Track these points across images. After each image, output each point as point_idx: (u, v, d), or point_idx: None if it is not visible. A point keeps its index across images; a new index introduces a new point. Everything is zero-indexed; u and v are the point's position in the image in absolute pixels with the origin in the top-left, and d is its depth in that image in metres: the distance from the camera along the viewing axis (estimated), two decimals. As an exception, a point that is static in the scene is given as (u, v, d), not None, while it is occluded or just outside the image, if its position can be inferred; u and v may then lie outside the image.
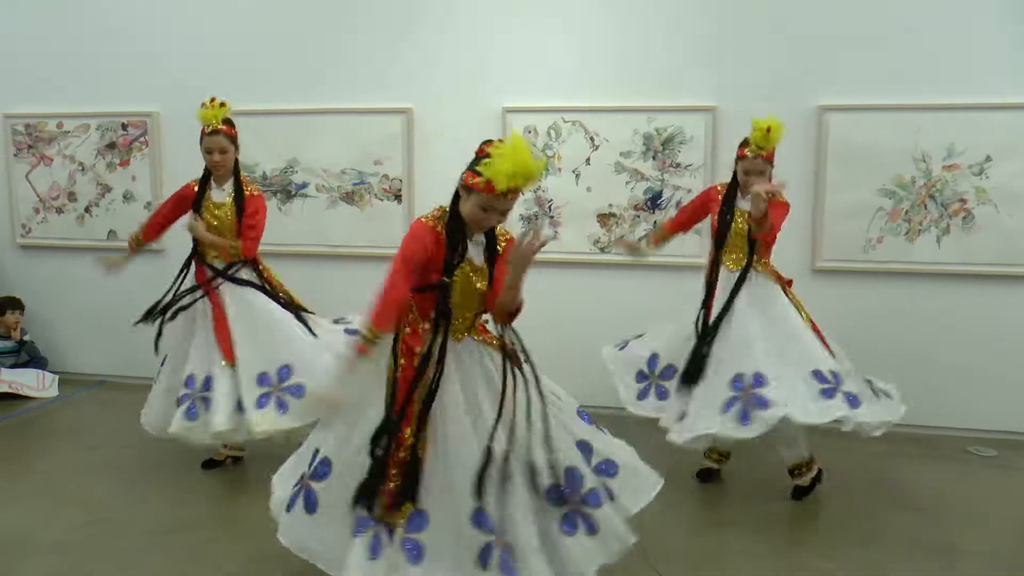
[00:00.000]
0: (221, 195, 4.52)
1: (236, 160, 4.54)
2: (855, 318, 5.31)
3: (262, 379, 4.36)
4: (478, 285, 2.89)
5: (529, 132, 5.52)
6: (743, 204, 4.29)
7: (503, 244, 2.93)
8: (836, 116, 5.18)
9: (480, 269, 2.90)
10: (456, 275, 2.84)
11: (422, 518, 2.83)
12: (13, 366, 6.22)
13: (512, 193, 2.72)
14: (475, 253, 2.90)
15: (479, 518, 2.78)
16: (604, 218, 5.54)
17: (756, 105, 5.08)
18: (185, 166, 5.81)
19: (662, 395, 4.39)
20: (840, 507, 4.23)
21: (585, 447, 3.01)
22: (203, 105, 4.44)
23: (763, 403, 3.97)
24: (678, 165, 5.40)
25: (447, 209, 2.88)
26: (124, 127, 6.21)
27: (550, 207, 5.57)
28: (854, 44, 5.13)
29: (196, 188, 4.55)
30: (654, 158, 5.42)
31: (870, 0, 5.09)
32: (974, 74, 5.02)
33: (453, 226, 2.85)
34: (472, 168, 2.77)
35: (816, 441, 5.12)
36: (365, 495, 2.85)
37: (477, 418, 2.89)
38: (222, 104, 4.43)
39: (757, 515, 4.17)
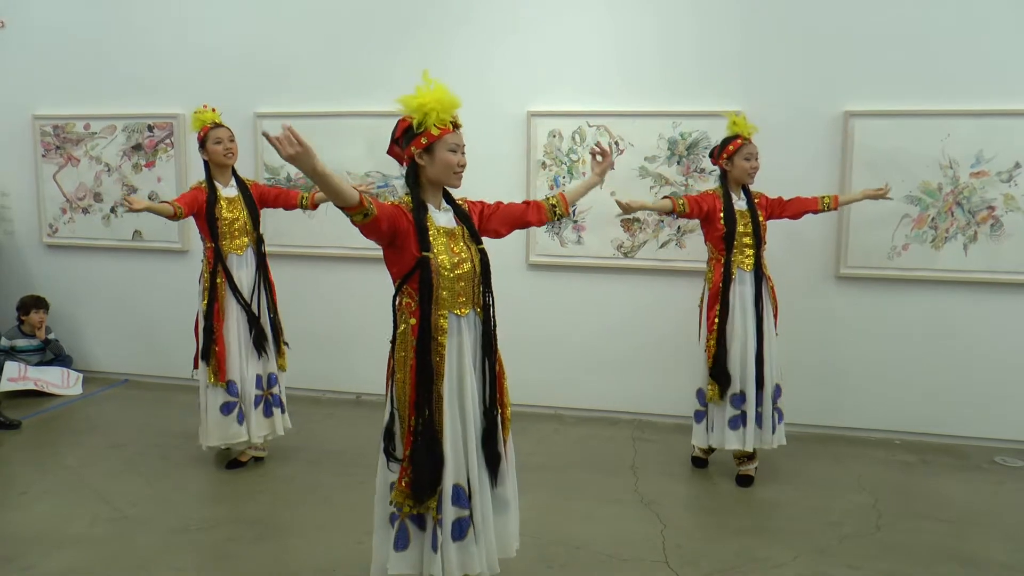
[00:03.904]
0: (230, 191, 4.64)
1: None
2: (879, 326, 5.28)
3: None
4: (461, 246, 2.99)
5: (554, 136, 5.52)
6: (740, 205, 4.47)
7: (464, 203, 3.12)
8: (861, 122, 5.13)
9: (456, 232, 3.01)
10: (434, 247, 2.91)
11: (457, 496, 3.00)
12: (39, 364, 6.28)
13: (459, 124, 3.01)
14: (445, 219, 3.02)
15: (457, 494, 2.96)
16: (628, 223, 5.52)
17: (781, 110, 5.09)
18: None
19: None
20: (865, 516, 4.18)
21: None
22: (197, 112, 4.61)
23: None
24: (702, 170, 5.37)
25: (404, 197, 3.01)
26: (150, 129, 6.26)
27: (573, 211, 5.56)
28: (881, 50, 5.09)
29: (206, 190, 4.60)
30: (678, 163, 5.40)
31: (897, 5, 5.05)
32: (1003, 80, 4.96)
33: (417, 200, 2.96)
34: (409, 139, 2.96)
35: (844, 449, 5.10)
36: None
37: (463, 399, 2.99)
38: (213, 109, 4.64)
39: (780, 522, 4.14)
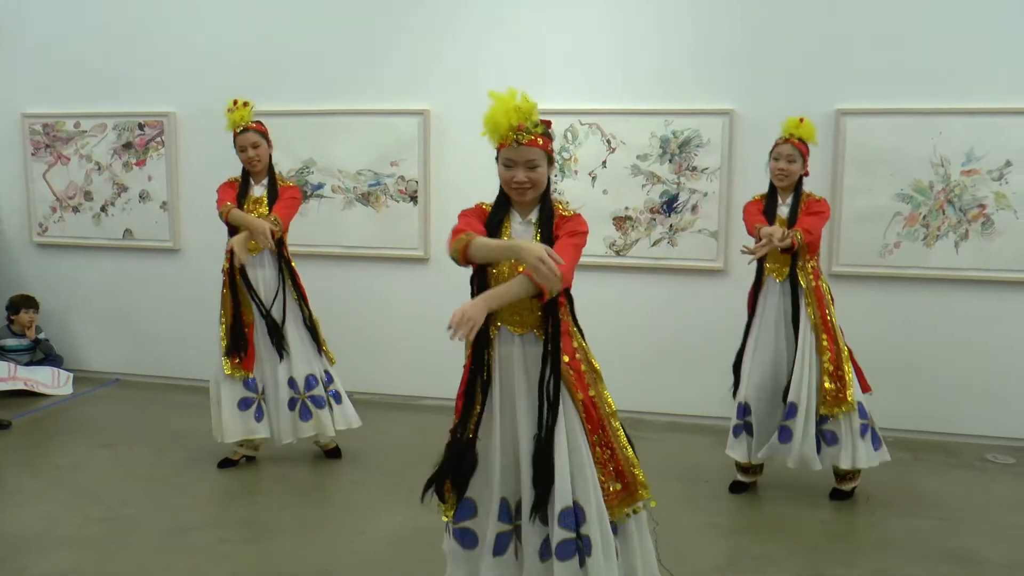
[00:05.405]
0: (260, 191, 4.60)
1: (270, 157, 4.64)
2: (872, 323, 5.28)
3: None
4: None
5: (546, 134, 5.51)
6: (783, 211, 4.29)
7: (563, 218, 2.87)
8: (854, 120, 5.15)
9: None
10: None
11: (469, 507, 2.90)
12: (29, 364, 6.25)
13: (522, 139, 2.75)
14: (523, 233, 2.86)
15: (503, 508, 2.85)
16: (620, 221, 5.52)
17: (773, 108, 5.07)
18: (201, 166, 5.86)
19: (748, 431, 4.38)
20: (859, 514, 4.20)
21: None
22: (228, 110, 4.52)
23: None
24: (694, 168, 5.38)
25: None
26: (141, 127, 6.23)
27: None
28: (872, 48, 5.10)
29: (238, 185, 4.58)
30: (671, 161, 5.41)
31: (889, 4, 5.07)
32: (994, 78, 4.98)
33: (498, 201, 2.88)
34: None
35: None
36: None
37: (513, 416, 2.86)
38: (245, 104, 4.53)
39: (774, 521, 4.14)
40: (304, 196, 5.92)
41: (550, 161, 2.86)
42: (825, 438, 4.23)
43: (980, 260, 5.11)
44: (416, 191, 5.78)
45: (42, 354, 6.37)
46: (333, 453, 4.88)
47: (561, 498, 2.74)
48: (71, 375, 6.34)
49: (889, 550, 3.81)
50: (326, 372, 4.73)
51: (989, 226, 5.08)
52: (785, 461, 4.27)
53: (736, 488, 4.45)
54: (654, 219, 5.48)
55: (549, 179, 2.90)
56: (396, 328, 5.93)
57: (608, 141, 5.48)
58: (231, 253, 4.51)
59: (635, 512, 2.91)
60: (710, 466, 4.74)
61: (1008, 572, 3.64)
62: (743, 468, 4.45)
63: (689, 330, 5.43)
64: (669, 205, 5.45)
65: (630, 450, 2.97)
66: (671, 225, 5.47)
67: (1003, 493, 4.52)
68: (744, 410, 4.33)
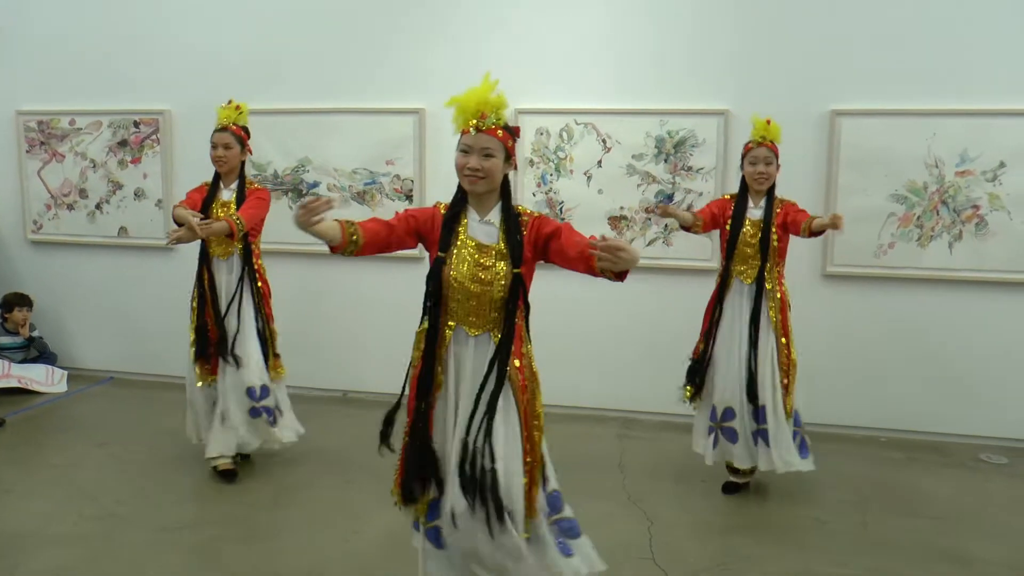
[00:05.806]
0: (228, 194, 4.56)
1: (243, 163, 4.59)
2: (865, 324, 5.31)
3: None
4: (486, 267, 2.76)
5: (541, 134, 5.52)
6: (754, 213, 4.30)
7: (526, 220, 2.81)
8: (848, 120, 5.16)
9: (490, 249, 2.78)
10: (455, 253, 2.78)
11: (437, 506, 2.88)
12: (23, 362, 6.23)
13: (482, 126, 2.74)
14: (484, 232, 2.80)
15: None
16: (615, 221, 5.53)
17: (768, 109, 5.04)
18: (196, 164, 5.83)
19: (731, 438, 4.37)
20: (852, 513, 4.20)
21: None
22: (223, 107, 4.54)
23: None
24: (690, 168, 5.38)
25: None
26: (136, 125, 6.22)
27: (561, 209, 5.57)
28: (867, 49, 5.11)
29: (207, 189, 4.56)
30: (666, 161, 5.41)
31: (885, 5, 5.08)
32: (989, 79, 4.99)
33: (455, 197, 2.86)
34: None
35: (830, 446, 5.11)
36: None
37: (455, 414, 2.85)
38: (237, 107, 4.53)
39: (767, 520, 4.15)
40: (299, 194, 5.92)
41: (508, 158, 2.80)
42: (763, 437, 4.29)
43: (974, 261, 5.13)
44: (411, 190, 5.78)
45: (36, 352, 6.35)
46: (229, 475, 4.58)
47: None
48: (65, 373, 6.33)
49: (882, 549, 3.82)
50: (263, 387, 4.54)
51: (983, 227, 5.09)
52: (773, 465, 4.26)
53: (729, 489, 4.46)
54: (649, 218, 5.49)
55: (508, 181, 2.86)
56: (391, 327, 5.89)
57: (603, 141, 5.48)
58: (203, 256, 4.51)
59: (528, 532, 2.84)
60: (703, 465, 4.72)
61: (1002, 571, 3.65)
62: (735, 469, 4.45)
63: (684, 330, 5.42)
64: (664, 205, 5.46)
65: (540, 472, 2.90)
66: (666, 225, 5.47)
67: (996, 493, 4.54)
68: (725, 414, 4.33)
